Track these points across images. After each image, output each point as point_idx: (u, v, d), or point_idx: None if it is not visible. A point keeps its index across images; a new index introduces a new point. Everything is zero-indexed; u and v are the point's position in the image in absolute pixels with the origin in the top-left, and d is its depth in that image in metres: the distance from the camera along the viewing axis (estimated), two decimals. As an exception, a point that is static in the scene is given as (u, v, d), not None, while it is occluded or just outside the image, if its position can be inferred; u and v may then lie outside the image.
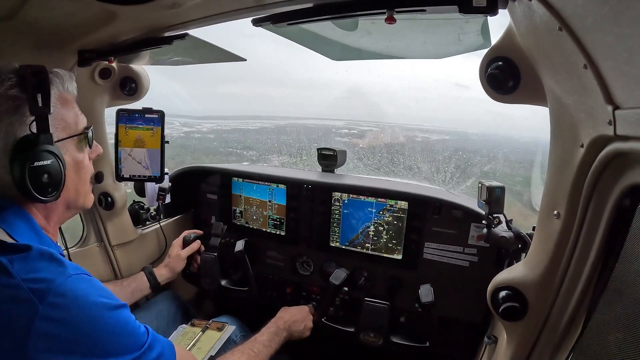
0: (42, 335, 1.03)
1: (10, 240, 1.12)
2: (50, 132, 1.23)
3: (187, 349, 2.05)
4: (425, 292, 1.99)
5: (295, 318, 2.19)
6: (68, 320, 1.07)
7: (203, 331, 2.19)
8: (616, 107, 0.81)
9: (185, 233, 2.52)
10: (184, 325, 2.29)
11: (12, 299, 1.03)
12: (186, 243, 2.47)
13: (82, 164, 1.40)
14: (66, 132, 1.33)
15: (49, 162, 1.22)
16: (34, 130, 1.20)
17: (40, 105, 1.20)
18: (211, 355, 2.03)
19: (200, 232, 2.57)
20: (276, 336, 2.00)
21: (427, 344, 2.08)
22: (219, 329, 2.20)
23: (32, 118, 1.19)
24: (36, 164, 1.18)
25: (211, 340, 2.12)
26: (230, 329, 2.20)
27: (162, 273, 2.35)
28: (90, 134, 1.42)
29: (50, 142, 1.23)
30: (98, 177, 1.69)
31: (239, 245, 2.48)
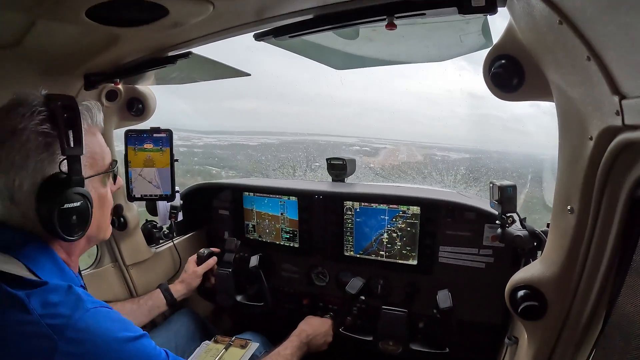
0: None
1: (29, 276, 1.10)
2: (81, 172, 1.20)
3: None
4: (444, 298, 1.98)
5: (317, 332, 2.19)
6: (88, 355, 1.05)
7: (226, 348, 2.17)
8: (623, 97, 0.80)
9: (200, 251, 2.53)
10: (207, 341, 2.27)
11: (31, 336, 1.02)
12: (200, 259, 2.48)
13: (106, 198, 1.37)
14: (93, 169, 1.30)
15: (78, 204, 1.18)
16: (63, 168, 1.16)
17: (72, 144, 1.16)
18: None
19: (217, 250, 2.58)
20: (298, 350, 2.01)
21: (447, 350, 2.06)
22: (243, 347, 2.18)
23: (63, 157, 1.15)
24: (66, 206, 1.15)
25: (234, 358, 2.11)
26: (254, 346, 2.19)
27: (178, 289, 2.35)
28: (116, 169, 1.41)
29: (81, 184, 1.20)
30: (117, 211, 1.70)
31: (254, 260, 2.49)
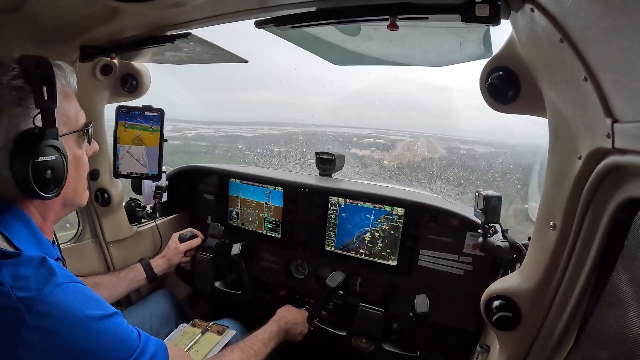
0: (29, 345, 1.00)
1: (3, 245, 1.09)
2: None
3: (185, 349, 2.04)
4: (421, 303, 1.99)
5: (296, 320, 2.20)
6: (55, 331, 1.03)
7: (203, 333, 2.18)
8: (615, 120, 0.81)
9: (184, 231, 2.53)
10: (184, 324, 2.28)
11: (0, 307, 1.00)
12: (182, 240, 2.47)
13: (81, 160, 1.37)
14: (67, 127, 1.29)
15: (53, 157, 1.18)
16: (37, 123, 1.15)
17: (46, 98, 1.15)
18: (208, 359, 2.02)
19: (200, 236, 2.57)
20: (276, 336, 2.01)
21: (418, 353, 2.08)
22: (219, 333, 2.19)
23: (37, 111, 1.15)
24: (40, 159, 1.14)
25: (210, 343, 2.11)
26: (230, 333, 2.19)
27: (158, 264, 2.34)
28: (90, 130, 1.39)
29: (55, 137, 1.19)
30: (93, 175, 1.68)
31: (235, 249, 2.48)
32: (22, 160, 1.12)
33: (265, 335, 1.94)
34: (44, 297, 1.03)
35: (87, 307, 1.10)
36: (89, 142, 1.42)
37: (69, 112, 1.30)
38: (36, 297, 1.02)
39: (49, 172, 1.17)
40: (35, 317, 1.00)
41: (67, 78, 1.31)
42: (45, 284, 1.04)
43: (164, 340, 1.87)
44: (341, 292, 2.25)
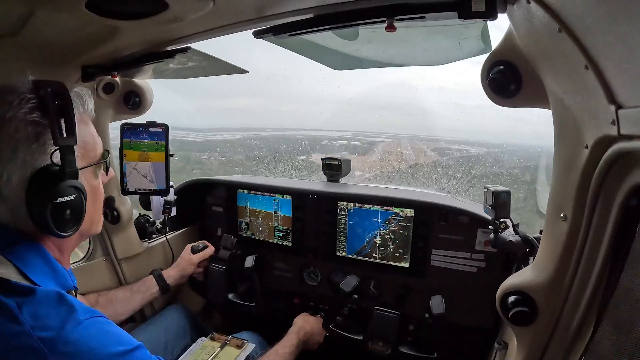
0: None
1: (20, 280, 1.05)
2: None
3: None
4: (437, 304, 1.98)
5: (314, 331, 2.21)
6: None
7: (222, 347, 2.16)
8: (619, 107, 0.81)
9: (196, 243, 2.54)
10: (203, 338, 2.27)
11: (21, 348, 0.98)
12: (194, 251, 2.49)
13: (98, 190, 1.31)
14: (86, 159, 1.24)
15: (72, 197, 1.12)
16: (55, 159, 1.09)
17: (65, 134, 1.09)
18: None
19: (211, 249, 2.57)
20: (296, 349, 2.01)
21: (435, 355, 2.07)
22: (239, 347, 2.17)
23: (55, 148, 1.08)
24: (59, 200, 1.08)
25: (229, 358, 2.10)
26: (250, 347, 2.17)
27: (171, 274, 2.35)
28: (108, 160, 1.35)
29: (75, 176, 1.13)
30: (108, 203, 1.65)
31: (249, 261, 2.48)
32: (40, 201, 1.07)
33: (287, 350, 1.95)
34: (66, 336, 1.00)
35: (109, 344, 1.08)
36: (107, 172, 1.38)
37: (87, 142, 1.25)
38: (58, 337, 0.99)
39: (68, 212, 1.12)
40: (58, 357, 0.98)
41: (85, 105, 1.25)
42: (66, 322, 1.02)
43: (183, 355, 1.86)
44: (356, 296, 2.24)
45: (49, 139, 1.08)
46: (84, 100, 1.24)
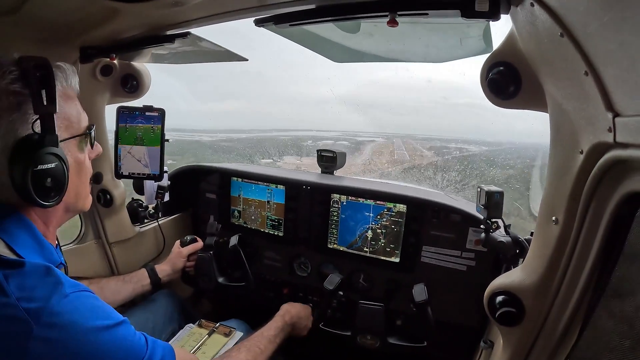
0: (37, 356, 0.99)
1: (9, 254, 1.07)
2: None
3: (192, 351, 2.03)
4: (419, 291, 2.00)
5: (300, 315, 2.19)
6: (63, 342, 1.02)
7: (209, 334, 2.17)
8: (616, 114, 0.81)
9: (184, 237, 2.55)
10: (191, 324, 2.27)
11: (7, 319, 0.99)
12: (183, 244, 2.49)
13: (83, 165, 1.33)
14: (69, 131, 1.25)
15: (53, 165, 1.14)
16: (36, 129, 1.12)
17: (45, 103, 1.11)
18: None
19: (201, 243, 2.56)
20: (282, 332, 1.99)
21: (425, 343, 2.08)
22: (226, 335, 2.17)
23: (36, 117, 1.11)
24: (40, 167, 1.10)
25: (217, 345, 2.09)
26: (237, 335, 2.17)
27: (163, 269, 2.35)
28: (93, 133, 1.35)
29: (55, 144, 1.15)
30: (97, 178, 1.65)
31: (233, 240, 2.50)
32: (20, 168, 1.09)
33: (272, 332, 1.93)
34: (52, 308, 1.01)
35: (94, 317, 1.09)
36: (92, 146, 1.39)
37: (71, 115, 1.27)
38: (43, 308, 1.00)
39: (48, 180, 1.14)
40: (42, 328, 0.99)
41: (69, 79, 1.27)
42: (53, 294, 1.03)
43: (171, 341, 1.86)
44: (341, 292, 2.25)
45: (30, 109, 1.11)
46: (67, 75, 1.27)
